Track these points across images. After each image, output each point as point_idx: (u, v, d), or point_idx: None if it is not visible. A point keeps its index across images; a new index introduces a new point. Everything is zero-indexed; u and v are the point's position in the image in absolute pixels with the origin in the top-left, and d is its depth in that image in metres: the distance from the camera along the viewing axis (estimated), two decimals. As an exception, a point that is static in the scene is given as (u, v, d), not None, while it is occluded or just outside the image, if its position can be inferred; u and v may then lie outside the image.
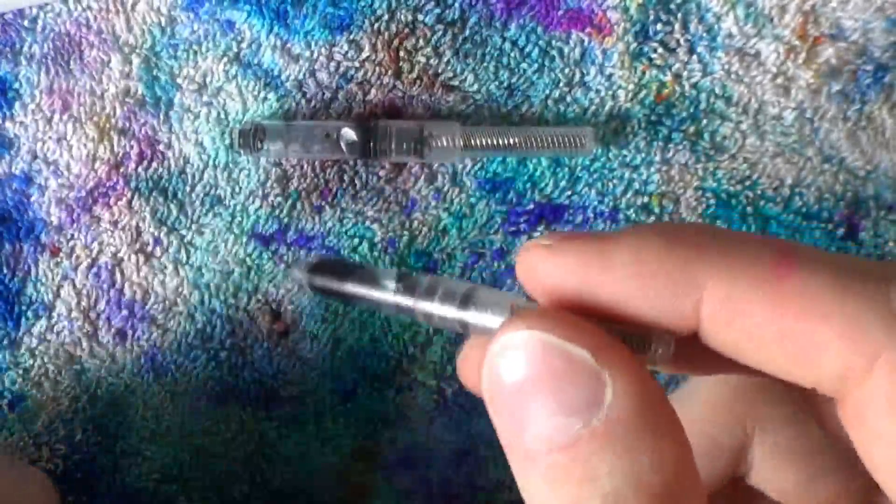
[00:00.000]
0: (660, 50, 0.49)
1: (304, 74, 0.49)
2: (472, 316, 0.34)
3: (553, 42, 0.49)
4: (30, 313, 0.50)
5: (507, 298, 0.33)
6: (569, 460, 0.27)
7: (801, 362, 0.27)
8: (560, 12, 0.48)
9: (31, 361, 0.50)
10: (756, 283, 0.27)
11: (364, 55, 0.49)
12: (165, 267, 0.49)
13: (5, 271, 0.49)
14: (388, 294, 0.36)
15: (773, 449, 0.34)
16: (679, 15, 0.48)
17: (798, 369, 0.27)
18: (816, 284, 0.27)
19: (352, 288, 0.37)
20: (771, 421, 0.34)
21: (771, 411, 0.34)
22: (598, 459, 0.27)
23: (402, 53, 0.49)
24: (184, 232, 0.49)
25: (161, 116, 0.49)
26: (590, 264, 0.29)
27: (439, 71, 0.49)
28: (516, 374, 0.28)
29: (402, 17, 0.48)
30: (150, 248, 0.49)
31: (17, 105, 0.49)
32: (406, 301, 0.35)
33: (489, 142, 0.47)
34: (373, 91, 0.49)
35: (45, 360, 0.50)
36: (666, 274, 0.28)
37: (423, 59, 0.49)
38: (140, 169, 0.49)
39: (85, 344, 0.49)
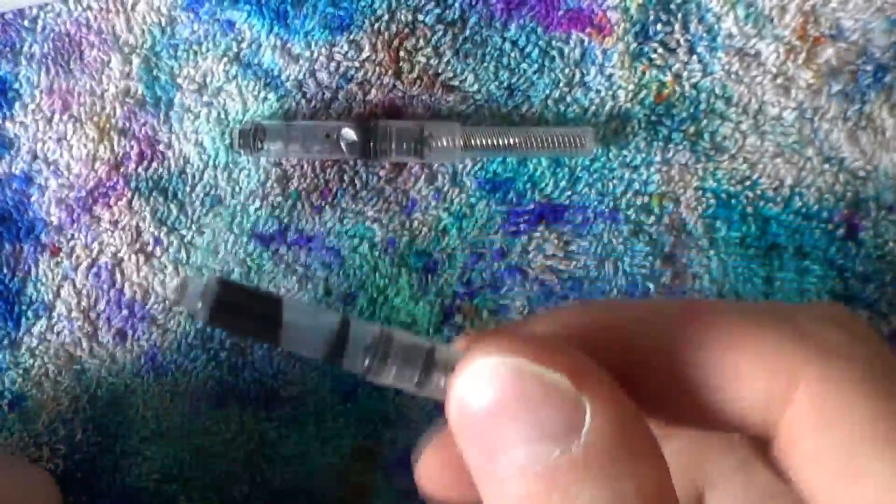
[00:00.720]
0: (660, 50, 0.49)
1: (305, 74, 0.49)
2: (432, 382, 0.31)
3: (553, 42, 0.49)
4: (30, 313, 0.50)
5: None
6: (546, 489, 0.26)
7: (727, 401, 0.28)
8: (560, 12, 0.49)
9: (31, 361, 0.50)
10: (669, 336, 0.28)
11: (364, 55, 0.49)
12: (165, 267, 0.49)
13: (5, 271, 0.49)
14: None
15: (725, 499, 0.34)
16: (679, 15, 0.48)
17: (726, 410, 0.28)
18: (726, 327, 0.27)
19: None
20: (720, 472, 0.34)
21: (719, 460, 0.34)
22: (578, 489, 0.26)
23: (402, 53, 0.49)
24: (184, 232, 0.49)
25: (161, 116, 0.49)
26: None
27: (439, 71, 0.49)
28: (485, 400, 0.27)
29: (403, 17, 0.49)
30: (150, 248, 0.49)
31: (17, 105, 0.49)
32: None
33: (489, 142, 0.47)
34: (373, 91, 0.49)
35: (46, 359, 0.50)
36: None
37: (423, 60, 0.49)
38: (140, 169, 0.49)
39: (85, 344, 0.50)
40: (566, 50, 0.49)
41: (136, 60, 0.49)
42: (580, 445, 0.26)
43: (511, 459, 0.27)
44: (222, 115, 0.49)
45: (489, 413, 0.27)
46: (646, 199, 0.49)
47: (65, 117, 0.49)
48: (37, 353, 0.50)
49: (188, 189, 0.49)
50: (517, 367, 0.27)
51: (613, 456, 0.26)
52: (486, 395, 0.27)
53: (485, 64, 0.49)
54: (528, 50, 0.49)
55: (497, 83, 0.49)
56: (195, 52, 0.49)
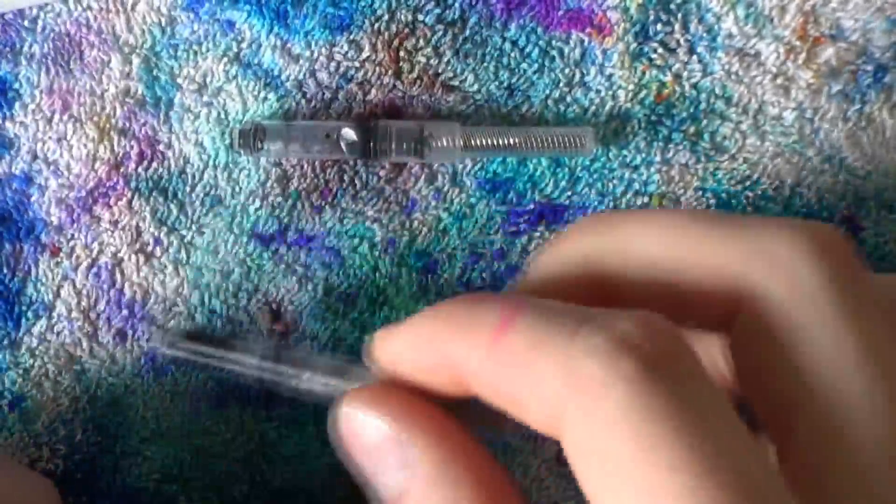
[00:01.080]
0: (660, 50, 0.49)
1: (305, 74, 0.49)
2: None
3: (553, 42, 0.49)
4: (30, 313, 0.50)
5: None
6: None
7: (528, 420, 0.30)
8: (560, 12, 0.49)
9: (31, 361, 0.50)
10: (476, 348, 0.30)
11: (364, 55, 0.49)
12: (165, 267, 0.49)
13: (5, 271, 0.49)
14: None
15: None
16: (679, 15, 0.48)
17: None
18: (524, 344, 0.29)
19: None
20: None
21: None
22: None
23: (402, 53, 0.49)
24: (184, 232, 0.49)
25: (161, 116, 0.49)
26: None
27: (439, 71, 0.49)
28: (342, 440, 0.32)
29: (403, 17, 0.49)
30: (150, 249, 0.49)
31: (17, 105, 0.49)
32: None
33: (489, 142, 0.47)
34: (373, 91, 0.49)
35: (46, 360, 0.50)
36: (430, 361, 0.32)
37: (423, 60, 0.49)
38: (140, 169, 0.49)
39: (85, 344, 0.50)
40: (566, 50, 0.49)
41: (136, 60, 0.49)
42: (415, 476, 0.30)
43: (374, 486, 0.32)
44: (222, 115, 0.49)
45: (347, 451, 0.32)
46: (646, 199, 0.49)
47: (65, 117, 0.49)
48: (37, 353, 0.50)
49: (188, 189, 0.49)
50: (353, 416, 0.32)
51: (442, 483, 0.30)
52: (341, 437, 0.32)
53: (485, 64, 0.49)
54: (528, 50, 0.49)
55: (497, 83, 0.49)
56: (195, 52, 0.49)
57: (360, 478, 0.32)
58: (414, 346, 0.32)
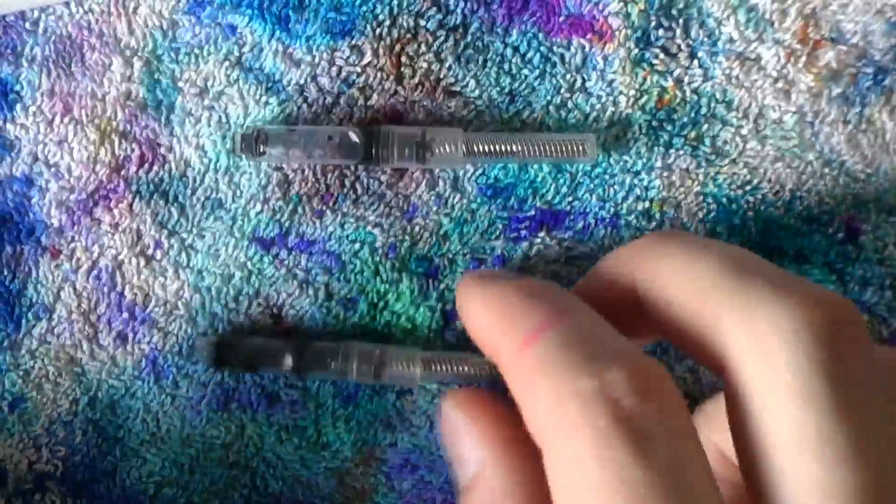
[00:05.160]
0: (661, 55, 0.49)
1: (306, 79, 0.49)
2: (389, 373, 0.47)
3: (554, 48, 0.49)
4: (30, 315, 0.50)
5: (415, 353, 0.47)
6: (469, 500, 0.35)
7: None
8: (561, 18, 0.49)
9: (31, 363, 0.50)
10: (507, 348, 0.34)
11: (366, 60, 0.49)
12: (166, 270, 0.49)
13: (6, 273, 0.49)
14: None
15: None
16: (680, 20, 0.48)
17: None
18: (536, 364, 0.32)
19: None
20: None
21: None
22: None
23: (403, 59, 0.49)
24: (184, 235, 0.49)
25: (162, 120, 0.49)
26: None
27: (441, 76, 0.49)
28: (441, 428, 0.37)
29: (404, 22, 0.49)
30: (150, 252, 0.49)
31: (18, 107, 0.49)
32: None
33: (492, 148, 0.47)
34: (374, 96, 0.49)
35: (46, 362, 0.50)
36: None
37: (424, 65, 0.49)
38: (141, 172, 0.49)
39: (85, 346, 0.50)
40: (567, 56, 0.49)
41: (137, 64, 0.49)
42: (479, 474, 0.35)
43: (454, 473, 0.36)
44: (223, 119, 0.49)
45: (444, 436, 0.37)
46: (647, 204, 0.49)
47: (66, 120, 0.49)
48: (37, 355, 0.50)
49: (189, 192, 0.49)
50: (445, 408, 0.36)
51: (498, 481, 0.34)
52: (441, 421, 0.37)
53: (486, 69, 0.49)
54: (529, 56, 0.49)
55: (498, 89, 0.49)
56: (197, 56, 0.49)
57: (448, 460, 0.37)
58: (476, 315, 0.36)
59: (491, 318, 0.35)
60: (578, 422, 0.30)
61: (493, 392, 0.36)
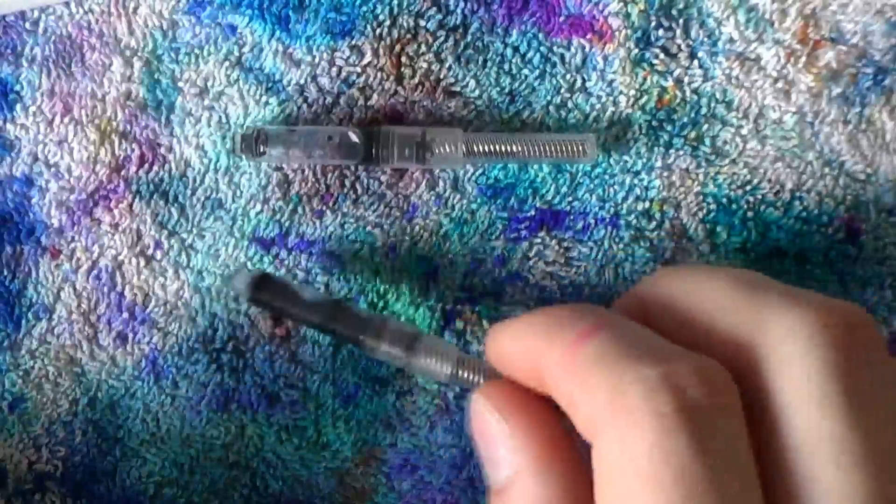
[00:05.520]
0: (661, 56, 0.49)
1: (306, 79, 0.49)
2: (418, 361, 0.45)
3: (554, 48, 0.49)
4: (30, 315, 0.50)
5: (453, 350, 0.45)
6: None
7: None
8: (561, 18, 0.49)
9: (31, 363, 0.50)
10: (554, 351, 0.34)
11: (366, 60, 0.49)
12: (166, 270, 0.49)
13: (6, 273, 0.49)
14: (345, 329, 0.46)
15: None
16: (680, 21, 0.48)
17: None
18: (592, 357, 0.32)
19: (301, 313, 0.47)
20: None
21: None
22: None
23: (403, 59, 0.49)
24: (184, 235, 0.49)
25: (162, 120, 0.49)
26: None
27: (441, 76, 0.49)
28: (471, 426, 0.37)
29: (404, 22, 0.49)
30: (150, 252, 0.49)
31: (18, 107, 0.49)
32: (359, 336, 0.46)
33: (492, 148, 0.47)
34: (374, 96, 0.49)
35: (46, 362, 0.50)
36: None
37: (424, 65, 0.49)
38: (141, 172, 0.49)
39: (85, 347, 0.50)
40: (567, 56, 0.49)
41: (137, 64, 0.49)
42: (517, 474, 0.35)
43: (485, 475, 0.36)
44: (223, 120, 0.49)
45: (474, 437, 0.37)
46: (647, 204, 0.49)
47: (66, 120, 0.49)
48: (37, 355, 0.50)
49: (189, 193, 0.49)
50: (481, 405, 0.36)
51: (536, 483, 0.34)
52: (471, 419, 0.37)
53: (486, 70, 0.49)
54: (529, 56, 0.49)
55: (498, 89, 0.49)
56: (197, 56, 0.49)
57: (479, 459, 0.36)
58: (515, 337, 0.36)
59: (536, 325, 0.35)
60: (641, 408, 0.29)
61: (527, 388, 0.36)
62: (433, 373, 0.45)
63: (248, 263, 0.49)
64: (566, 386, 0.33)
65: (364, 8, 0.48)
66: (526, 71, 0.49)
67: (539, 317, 0.35)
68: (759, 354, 0.32)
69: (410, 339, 0.45)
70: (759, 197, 0.49)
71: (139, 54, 0.49)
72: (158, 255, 0.49)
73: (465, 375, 0.44)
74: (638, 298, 0.37)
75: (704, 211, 0.49)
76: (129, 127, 0.49)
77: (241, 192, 0.49)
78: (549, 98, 0.49)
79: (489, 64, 0.49)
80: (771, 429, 0.31)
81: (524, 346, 0.35)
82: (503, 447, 0.34)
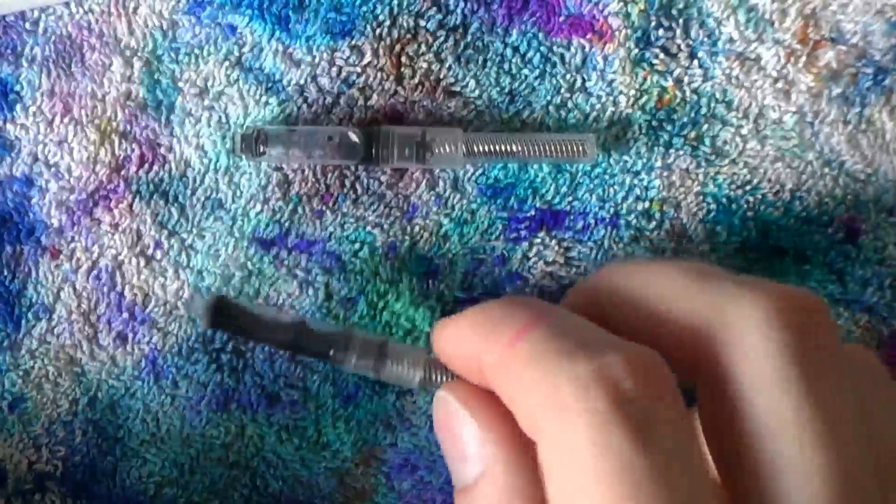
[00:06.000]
0: (661, 55, 0.49)
1: (306, 79, 0.49)
2: (387, 371, 0.45)
3: (554, 48, 0.49)
4: (30, 315, 0.50)
5: (422, 354, 0.44)
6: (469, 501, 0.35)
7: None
8: (561, 18, 0.49)
9: (31, 363, 0.50)
10: (495, 348, 0.34)
11: (366, 60, 0.49)
12: (166, 270, 0.49)
13: (6, 273, 0.49)
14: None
15: None
16: (681, 20, 0.49)
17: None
18: (528, 355, 0.32)
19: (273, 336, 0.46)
20: None
21: None
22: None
23: (403, 59, 0.49)
24: (184, 235, 0.49)
25: (162, 120, 0.49)
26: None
27: (441, 76, 0.49)
28: (437, 425, 0.37)
29: (404, 22, 0.49)
30: (150, 252, 0.49)
31: (18, 107, 0.49)
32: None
33: (491, 148, 0.47)
34: (374, 96, 0.49)
35: (46, 362, 0.50)
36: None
37: (424, 65, 0.49)
38: (141, 172, 0.49)
39: (85, 346, 0.50)
40: (567, 56, 0.49)
41: (137, 64, 0.49)
42: (486, 470, 0.34)
43: (453, 473, 0.36)
44: (223, 120, 0.49)
45: (438, 433, 0.37)
46: (646, 204, 0.49)
47: (66, 120, 0.49)
48: (37, 355, 0.50)
49: (189, 193, 0.49)
50: (448, 402, 0.36)
51: (505, 478, 0.34)
52: (436, 416, 0.37)
53: (486, 69, 0.49)
54: (529, 56, 0.49)
55: (498, 89, 0.49)
56: (197, 56, 0.49)
57: (446, 458, 0.36)
58: (456, 338, 0.36)
59: (473, 326, 0.35)
60: (575, 406, 0.29)
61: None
62: (404, 381, 0.45)
63: (248, 263, 0.49)
64: (505, 387, 0.33)
65: (364, 8, 0.48)
66: (526, 71, 0.49)
67: (477, 316, 0.35)
68: (717, 340, 0.32)
69: (378, 347, 0.45)
70: (759, 197, 0.49)
71: (139, 54, 0.49)
72: (158, 255, 0.49)
73: (436, 378, 0.44)
74: (590, 290, 0.38)
75: (704, 211, 0.49)
76: (129, 127, 0.49)
77: (241, 192, 0.49)
78: (549, 98, 0.49)
79: (489, 64, 0.49)
80: (732, 412, 0.31)
81: (465, 348, 0.36)
82: (472, 441, 0.35)
